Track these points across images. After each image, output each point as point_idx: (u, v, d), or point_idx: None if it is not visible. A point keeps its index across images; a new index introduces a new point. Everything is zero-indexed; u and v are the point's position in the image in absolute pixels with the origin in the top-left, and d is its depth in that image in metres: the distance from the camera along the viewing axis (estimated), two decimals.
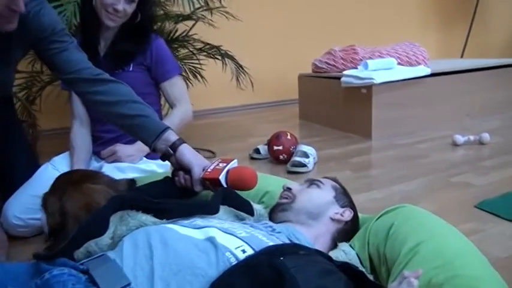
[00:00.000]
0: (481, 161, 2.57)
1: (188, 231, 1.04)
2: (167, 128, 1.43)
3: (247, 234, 1.04)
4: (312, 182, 1.37)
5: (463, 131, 3.19)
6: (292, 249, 1.01)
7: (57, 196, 1.27)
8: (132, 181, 1.48)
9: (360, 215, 1.40)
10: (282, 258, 0.90)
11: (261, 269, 0.87)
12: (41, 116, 2.89)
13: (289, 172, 2.48)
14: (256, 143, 2.95)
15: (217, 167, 1.35)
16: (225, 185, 1.32)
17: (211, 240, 0.98)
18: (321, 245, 1.24)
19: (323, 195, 1.32)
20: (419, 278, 0.89)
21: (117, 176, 1.70)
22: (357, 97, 3.21)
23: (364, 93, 3.12)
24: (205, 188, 1.37)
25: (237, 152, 2.89)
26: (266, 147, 2.74)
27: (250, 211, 1.33)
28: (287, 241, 1.12)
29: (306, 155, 2.54)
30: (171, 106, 2.06)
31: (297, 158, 2.51)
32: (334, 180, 1.44)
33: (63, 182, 1.32)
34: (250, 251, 0.97)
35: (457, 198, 2.05)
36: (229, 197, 1.29)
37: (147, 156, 1.94)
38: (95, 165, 1.95)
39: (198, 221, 1.12)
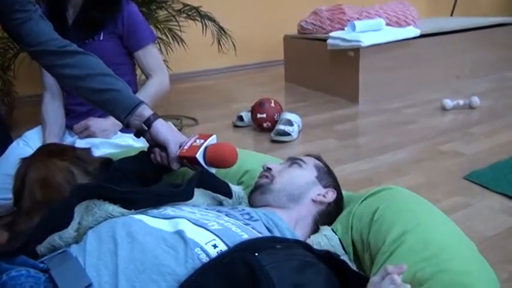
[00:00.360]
0: (470, 127, 2.51)
1: (157, 222, 0.96)
2: (140, 102, 1.33)
3: (219, 226, 0.96)
4: (293, 161, 1.28)
5: (453, 94, 3.11)
6: (268, 243, 0.93)
7: (27, 163, 1.21)
8: (107, 160, 1.39)
9: (344, 192, 1.33)
10: (257, 254, 0.83)
11: (234, 267, 0.80)
12: (17, 83, 2.77)
13: (273, 141, 2.40)
14: (239, 109, 2.85)
15: (194, 143, 1.26)
16: (203, 163, 1.23)
17: (180, 234, 0.90)
18: (301, 228, 1.17)
19: (304, 175, 1.24)
20: (405, 274, 0.83)
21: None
22: (343, 60, 3.09)
23: (351, 56, 3.01)
24: (183, 165, 1.29)
25: (220, 119, 2.80)
26: (250, 114, 2.65)
27: (228, 193, 1.25)
28: (264, 229, 1.04)
29: (290, 123, 2.46)
30: (147, 76, 1.93)
31: (281, 127, 2.42)
32: (318, 158, 1.36)
33: (39, 152, 1.27)
34: (222, 246, 0.90)
35: (446, 169, 2.00)
36: (206, 179, 1.21)
37: (123, 130, 1.84)
38: (68, 140, 1.85)
39: (169, 210, 1.03)
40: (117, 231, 0.90)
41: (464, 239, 1.07)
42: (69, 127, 1.87)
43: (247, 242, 0.91)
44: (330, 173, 1.32)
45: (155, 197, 1.07)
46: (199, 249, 0.88)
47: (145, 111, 1.31)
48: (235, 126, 2.68)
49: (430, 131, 2.46)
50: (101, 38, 1.80)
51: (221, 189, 1.24)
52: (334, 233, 1.17)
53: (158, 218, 0.98)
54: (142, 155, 1.37)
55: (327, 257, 0.94)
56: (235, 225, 0.98)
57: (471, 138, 2.33)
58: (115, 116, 1.36)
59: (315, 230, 1.19)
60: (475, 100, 2.81)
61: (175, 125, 2.62)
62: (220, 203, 1.23)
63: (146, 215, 1.00)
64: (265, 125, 2.53)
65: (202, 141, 1.26)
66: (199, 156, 1.21)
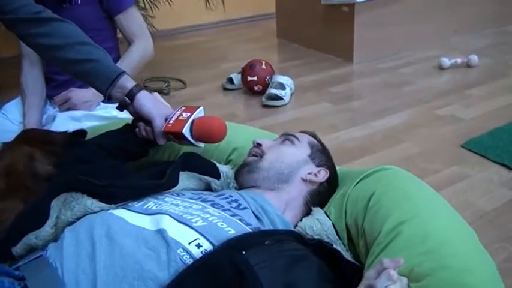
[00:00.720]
0: (468, 88, 2.43)
1: (138, 219, 0.90)
2: (122, 73, 1.23)
3: (204, 222, 0.89)
4: (286, 138, 1.20)
5: (450, 50, 3.01)
6: (256, 238, 0.87)
7: (4, 148, 1.17)
8: (74, 135, 1.32)
9: (338, 167, 1.26)
10: (244, 253, 0.79)
11: (221, 269, 0.75)
12: (2, 43, 2.61)
13: (265, 106, 2.31)
14: (229, 69, 2.74)
15: (180, 117, 1.18)
16: (190, 138, 1.16)
17: (161, 233, 0.84)
18: (292, 210, 1.10)
19: (296, 153, 1.16)
20: (401, 268, 0.78)
21: (73, 126, 1.52)
22: (337, 15, 2.95)
23: (345, 11, 2.87)
24: (169, 140, 1.21)
25: (209, 81, 2.69)
26: (240, 76, 2.54)
27: (215, 174, 1.18)
28: (253, 218, 0.98)
29: (282, 86, 2.36)
30: (129, 42, 1.81)
31: (273, 90, 2.33)
32: (313, 135, 1.28)
33: (16, 138, 1.21)
34: (206, 245, 0.84)
35: (443, 136, 1.93)
36: (191, 161, 1.14)
37: (105, 100, 1.74)
38: (50, 111, 1.75)
39: (151, 202, 0.97)
40: (96, 231, 0.84)
41: (465, 229, 1.00)
42: (50, 97, 1.77)
43: (234, 239, 0.85)
44: (325, 151, 1.24)
45: (137, 190, 1.00)
46: (181, 250, 0.82)
47: (127, 83, 1.22)
48: (225, 89, 2.58)
49: (427, 93, 2.38)
50: (79, 2, 1.67)
51: (208, 170, 1.17)
52: (327, 216, 1.11)
53: (139, 213, 0.92)
54: (127, 129, 1.28)
55: (320, 247, 0.90)
56: (221, 218, 0.92)
57: (469, 101, 2.26)
58: (96, 88, 1.28)
59: (307, 211, 1.12)
60: (474, 59, 2.71)
61: (162, 90, 2.54)
62: (208, 185, 1.17)
63: (127, 209, 0.93)
64: (256, 88, 2.43)
65: (188, 114, 1.18)
66: (185, 131, 1.14)
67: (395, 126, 2.04)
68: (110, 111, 1.74)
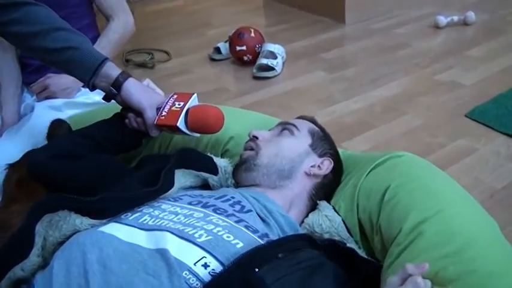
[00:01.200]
0: (467, 49, 2.32)
1: (133, 235, 0.81)
2: (104, 60, 1.11)
3: (208, 236, 0.80)
4: (284, 127, 1.11)
5: (445, 6, 2.87)
6: (268, 252, 0.79)
7: (14, 166, 1.20)
8: (54, 127, 1.25)
9: (340, 150, 1.17)
10: (258, 270, 0.72)
11: None
12: None
13: (256, 77, 2.19)
14: (215, 36, 2.59)
15: (173, 108, 1.09)
16: (185, 130, 1.08)
17: (162, 254, 0.76)
18: (297, 207, 1.03)
19: (296, 145, 1.07)
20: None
21: (53, 115, 1.40)
22: None
23: None
24: (163, 131, 1.13)
25: (194, 51, 2.54)
26: (227, 45, 2.40)
27: (213, 169, 1.09)
28: (259, 222, 0.90)
29: (273, 55, 2.23)
30: (107, 18, 1.66)
31: (264, 60, 2.20)
32: (313, 121, 1.18)
33: (23, 157, 1.21)
34: (214, 264, 0.76)
35: (445, 105, 1.85)
36: (186, 158, 1.05)
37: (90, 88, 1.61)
38: (28, 100, 1.63)
39: (147, 216, 0.87)
40: (87, 256, 0.75)
41: (488, 223, 0.93)
42: (27, 84, 1.63)
43: (245, 256, 0.77)
44: (326, 137, 1.15)
45: (130, 202, 0.90)
46: (187, 272, 0.74)
47: (112, 71, 1.11)
48: (212, 59, 2.44)
49: (424, 57, 2.27)
50: None
51: (205, 165, 1.09)
52: (336, 212, 1.03)
53: (134, 227, 0.83)
54: (117, 118, 1.18)
55: (333, 247, 0.84)
56: (226, 228, 0.83)
57: (469, 64, 2.16)
58: (78, 78, 1.17)
59: (312, 205, 1.05)
60: (471, 16, 2.59)
61: (146, 63, 2.40)
62: (205, 181, 1.08)
63: (119, 222, 0.84)
64: (245, 58, 2.30)
65: (181, 103, 1.09)
66: (180, 124, 1.06)
67: (395, 95, 1.95)
68: (92, 97, 1.63)
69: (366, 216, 0.99)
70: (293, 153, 1.04)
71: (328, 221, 0.99)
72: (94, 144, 1.10)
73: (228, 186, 1.09)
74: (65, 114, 1.46)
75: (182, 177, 1.01)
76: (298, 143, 1.07)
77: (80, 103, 1.58)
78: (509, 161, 1.52)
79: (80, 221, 0.85)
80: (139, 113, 1.09)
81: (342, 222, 0.99)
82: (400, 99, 1.91)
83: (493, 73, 2.06)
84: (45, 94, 1.54)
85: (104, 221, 0.86)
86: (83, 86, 1.60)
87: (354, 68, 2.25)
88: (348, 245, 0.92)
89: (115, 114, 1.18)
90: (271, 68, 2.19)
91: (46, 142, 1.40)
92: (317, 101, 1.95)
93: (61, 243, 0.84)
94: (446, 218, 0.89)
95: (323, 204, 1.02)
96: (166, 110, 1.08)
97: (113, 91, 1.10)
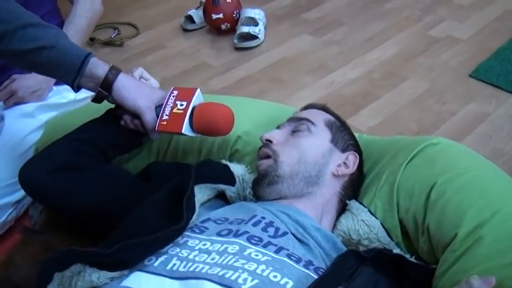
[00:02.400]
0: None
1: (164, 286, 0.69)
2: (87, 56, 0.94)
3: (254, 280, 0.69)
4: (298, 124, 0.98)
5: None
6: (327, 286, 0.69)
7: None
8: None
9: (356, 135, 1.05)
10: None
11: None
12: None
13: (238, 48, 2.02)
14: (184, 3, 2.35)
15: (175, 110, 0.95)
16: (191, 134, 0.95)
17: None
18: (329, 214, 0.93)
19: (317, 145, 0.95)
20: None
21: (27, 123, 1.30)
22: None
23: None
24: (164, 133, 1.00)
25: (163, 21, 2.32)
26: (200, 12, 2.19)
27: (230, 179, 0.97)
28: (298, 247, 0.80)
29: (254, 21, 2.05)
30: (71, 1, 1.45)
31: (245, 28, 2.02)
32: (325, 109, 1.05)
33: None
34: None
35: (446, 65, 1.75)
36: (202, 173, 0.91)
37: (58, 83, 1.42)
38: None
39: (175, 259, 0.74)
40: None
41: None
42: None
43: None
44: (344, 127, 1.03)
45: (152, 247, 0.77)
46: None
47: (99, 69, 0.94)
48: (185, 30, 2.23)
49: (413, 9, 2.14)
50: None
51: (221, 176, 0.97)
52: (373, 215, 0.93)
53: (164, 276, 0.71)
54: (111, 117, 1.03)
55: (380, 257, 0.77)
56: (269, 264, 0.72)
57: (461, 14, 2.05)
58: (60, 80, 1.03)
59: (342, 207, 0.95)
60: None
61: (114, 41, 2.17)
62: (222, 193, 0.97)
63: (145, 271, 0.72)
64: (223, 26, 2.10)
65: (184, 103, 0.94)
66: (185, 130, 0.93)
67: (392, 58, 1.83)
68: (66, 95, 1.47)
69: (409, 216, 0.91)
70: (316, 156, 0.93)
71: (366, 227, 0.90)
72: (95, 151, 0.97)
73: (246, 197, 0.99)
74: (39, 120, 1.31)
75: (199, 193, 0.89)
76: (319, 141, 0.95)
77: (53, 104, 1.41)
78: None
79: (97, 276, 0.73)
80: (135, 115, 0.95)
81: (381, 226, 0.91)
82: (398, 62, 1.80)
83: (488, 22, 1.97)
84: (14, 100, 1.35)
85: (126, 272, 0.73)
86: (55, 85, 1.42)
87: (341, 28, 2.09)
88: (394, 251, 0.85)
89: (108, 111, 1.03)
90: (254, 37, 2.01)
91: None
92: (310, 71, 1.81)
93: None
94: (505, 220, 0.81)
95: (355, 206, 0.93)
96: (167, 112, 0.94)
97: (103, 93, 0.94)
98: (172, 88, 0.97)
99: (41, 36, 0.92)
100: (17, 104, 1.35)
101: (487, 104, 1.54)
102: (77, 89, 0.96)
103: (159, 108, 0.94)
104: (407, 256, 0.84)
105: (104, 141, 0.98)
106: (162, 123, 0.93)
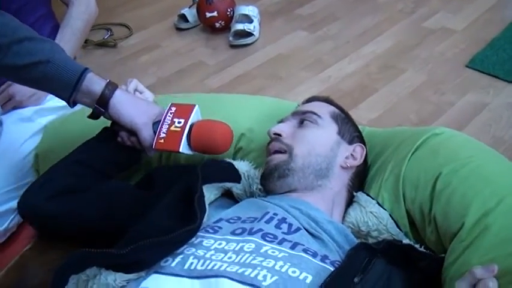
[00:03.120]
0: None
1: (185, 287, 0.68)
2: (83, 72, 0.93)
3: (274, 276, 0.69)
4: (303, 117, 0.97)
5: None
6: (345, 280, 0.70)
7: None
8: None
9: (359, 127, 1.06)
10: None
11: None
12: None
13: (233, 46, 2.01)
14: (177, 2, 2.34)
15: (173, 127, 0.93)
16: (188, 153, 0.94)
17: None
18: (339, 207, 0.93)
19: (325, 137, 0.95)
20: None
21: (25, 128, 1.27)
22: None
23: None
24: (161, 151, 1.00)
25: (157, 21, 2.30)
26: (193, 11, 2.18)
27: (236, 177, 0.97)
28: (312, 242, 0.79)
29: (248, 18, 2.04)
30: (66, 4, 1.43)
31: (239, 26, 2.01)
32: (329, 101, 1.05)
33: None
34: None
35: (443, 56, 1.76)
36: (208, 173, 0.91)
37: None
38: None
39: (192, 258, 0.74)
40: None
41: None
42: None
43: None
44: (348, 118, 1.03)
45: (167, 247, 0.76)
46: None
47: (95, 85, 0.92)
48: (179, 29, 2.22)
49: (406, 1, 2.15)
50: None
51: (227, 175, 0.96)
52: (381, 206, 0.93)
53: (182, 276, 0.70)
54: (108, 135, 1.01)
55: (390, 248, 0.77)
56: (287, 260, 0.72)
57: (455, 5, 2.06)
58: (55, 95, 0.99)
59: (350, 198, 0.95)
60: None
61: (107, 42, 2.15)
62: (229, 191, 0.97)
63: (163, 273, 0.72)
64: (217, 24, 2.10)
65: (182, 121, 0.93)
66: (183, 149, 0.92)
67: (387, 51, 1.83)
68: None
69: (415, 207, 0.91)
70: (326, 148, 0.93)
71: (375, 218, 0.90)
72: (94, 172, 0.95)
73: (252, 193, 0.98)
74: (38, 124, 1.30)
75: (207, 193, 0.88)
76: (327, 134, 0.95)
77: (51, 108, 1.38)
78: None
79: (113, 278, 0.72)
80: (132, 132, 0.94)
81: (390, 217, 0.91)
82: (394, 55, 1.80)
83: (481, 13, 1.97)
84: (11, 105, 1.33)
85: (143, 273, 0.72)
86: None
87: (335, 23, 2.09)
88: (403, 241, 0.84)
89: (104, 129, 1.01)
90: (249, 34, 2.01)
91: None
92: (307, 67, 1.81)
93: None
94: (509, 208, 0.81)
95: (363, 198, 0.93)
96: (164, 130, 0.92)
97: (99, 109, 0.93)
98: (170, 104, 0.95)
99: (37, 50, 0.90)
100: (15, 108, 1.34)
101: (485, 93, 1.55)
102: (72, 104, 0.94)
103: (156, 124, 0.93)
104: (417, 246, 0.85)
105: (102, 160, 0.96)
106: (160, 141, 0.91)
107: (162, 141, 0.91)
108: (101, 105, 0.92)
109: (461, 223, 0.81)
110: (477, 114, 1.47)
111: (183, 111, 0.93)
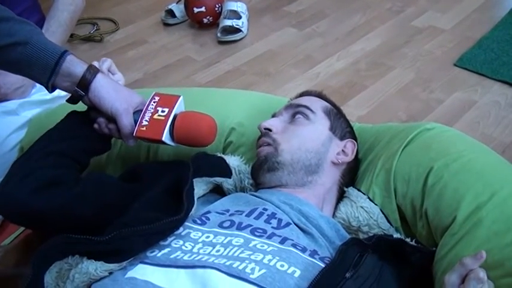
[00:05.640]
0: None
1: (172, 278, 0.67)
2: (63, 54, 0.89)
3: (262, 269, 0.68)
4: (296, 111, 0.96)
5: None
6: (336, 276, 0.69)
7: None
8: None
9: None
10: None
11: None
12: None
13: (221, 42, 1.99)
14: None
15: (156, 116, 0.90)
16: (171, 143, 0.91)
17: None
18: (329, 203, 0.93)
19: (317, 133, 0.94)
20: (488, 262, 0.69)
21: (10, 121, 1.25)
22: None
23: None
24: (141, 140, 0.95)
25: (144, 16, 2.27)
26: (181, 6, 2.16)
27: (226, 171, 0.96)
28: (301, 237, 0.79)
29: (236, 14, 2.03)
30: None
31: (227, 22, 2.00)
32: (321, 96, 1.04)
33: None
34: None
35: (431, 54, 1.77)
36: (198, 164, 0.89)
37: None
38: None
39: (179, 252, 0.72)
40: None
41: None
42: None
43: (314, 285, 0.66)
44: (341, 114, 1.03)
45: (149, 237, 0.74)
46: None
47: (76, 67, 0.88)
48: (166, 24, 2.19)
49: (394, 0, 2.15)
50: None
51: (218, 169, 0.95)
52: (372, 201, 0.93)
53: (168, 266, 0.69)
54: (79, 120, 0.96)
55: (381, 243, 0.77)
56: (276, 254, 0.71)
57: (443, 5, 2.07)
58: (33, 79, 0.94)
59: (341, 194, 0.95)
60: None
61: (93, 36, 2.12)
62: (219, 186, 0.95)
63: (149, 263, 0.70)
64: (205, 20, 2.08)
65: (166, 110, 0.90)
66: (165, 138, 0.89)
67: (376, 49, 1.83)
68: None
69: (407, 202, 0.91)
70: (317, 144, 0.92)
71: (365, 213, 0.90)
72: (72, 162, 0.91)
73: (243, 188, 0.97)
74: (23, 118, 1.27)
75: (196, 187, 0.86)
76: (318, 129, 0.94)
77: (37, 101, 1.36)
78: (511, 111, 1.47)
79: (94, 267, 0.70)
80: (111, 118, 0.91)
81: (380, 212, 0.91)
82: (382, 52, 1.80)
83: (469, 13, 1.99)
84: None
85: (124, 263, 0.71)
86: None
87: (323, 20, 2.09)
88: (394, 236, 0.85)
89: (72, 113, 0.97)
90: (237, 30, 1.99)
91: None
92: (296, 63, 1.80)
93: None
94: (503, 201, 0.81)
95: (354, 193, 0.92)
96: (147, 118, 0.89)
97: (79, 92, 0.89)
98: (153, 94, 0.92)
99: (14, 31, 0.86)
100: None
101: (473, 91, 1.56)
102: (51, 89, 0.90)
103: (137, 113, 0.90)
104: (408, 240, 0.84)
105: (79, 150, 0.92)
106: (141, 128, 0.88)
107: (144, 129, 0.88)
108: (81, 88, 0.88)
109: (453, 217, 0.82)
110: (465, 112, 1.48)
111: (167, 101, 0.91)
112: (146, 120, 0.88)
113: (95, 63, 0.93)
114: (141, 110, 0.90)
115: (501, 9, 1.97)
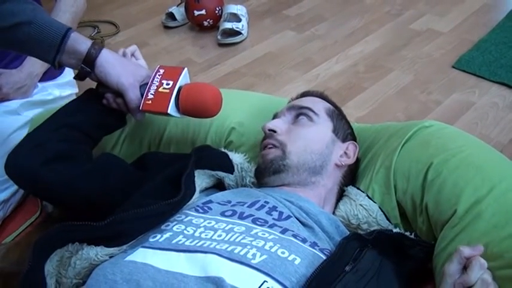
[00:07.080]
0: None
1: (171, 260, 0.67)
2: (67, 31, 0.90)
3: (263, 255, 0.69)
4: (299, 112, 0.97)
5: None
6: (335, 268, 0.70)
7: None
8: None
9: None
10: None
11: None
12: None
13: (222, 44, 2.01)
14: (165, 0, 2.33)
15: (161, 89, 0.91)
16: (177, 115, 0.92)
17: (217, 284, 0.63)
18: (330, 202, 0.94)
19: (321, 135, 0.95)
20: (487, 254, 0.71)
21: (12, 121, 1.26)
22: None
23: None
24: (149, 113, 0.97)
25: (144, 19, 2.29)
26: (181, 9, 2.17)
27: (229, 166, 0.97)
28: (302, 229, 0.80)
29: (236, 17, 2.04)
30: None
31: (228, 25, 2.01)
32: (323, 97, 1.05)
33: None
34: None
35: (429, 56, 1.78)
36: (201, 155, 0.91)
37: (44, 78, 1.39)
38: None
39: (180, 236, 0.73)
40: None
41: None
42: None
43: (314, 279, 0.66)
44: (342, 115, 1.04)
45: (147, 220, 0.75)
46: None
47: (80, 44, 0.90)
48: (167, 27, 2.21)
49: (393, 3, 2.17)
50: None
51: (220, 163, 0.96)
52: (371, 199, 0.94)
53: (168, 249, 0.70)
54: (94, 97, 0.98)
55: (381, 237, 0.79)
56: (277, 242, 0.72)
57: (441, 8, 2.08)
58: (39, 58, 0.96)
59: (340, 194, 0.96)
60: None
61: (93, 38, 2.12)
62: (219, 180, 0.97)
63: (149, 247, 0.71)
64: (205, 23, 2.09)
65: (170, 82, 0.91)
66: (171, 110, 0.90)
67: (375, 51, 1.84)
68: (52, 91, 1.44)
69: (407, 198, 0.92)
70: (321, 146, 0.93)
71: (364, 211, 0.92)
72: (83, 136, 0.93)
73: (245, 185, 0.98)
74: (24, 117, 1.29)
75: (198, 179, 0.88)
76: (322, 131, 0.95)
77: (38, 101, 1.38)
78: (509, 111, 1.48)
79: (95, 253, 0.71)
80: (118, 93, 0.92)
81: (379, 209, 0.92)
82: (381, 55, 1.81)
83: (466, 16, 2.00)
84: None
85: (124, 247, 0.72)
86: (40, 81, 1.39)
87: (322, 23, 2.10)
88: (393, 231, 0.86)
89: (88, 90, 0.99)
90: (237, 33, 2.01)
91: None
92: (295, 66, 1.81)
93: (78, 284, 0.71)
94: (502, 195, 0.82)
95: (353, 191, 0.93)
96: (152, 91, 0.90)
97: (86, 69, 0.90)
98: (158, 66, 0.93)
99: (18, 11, 0.87)
100: (1, 101, 1.32)
101: (471, 93, 1.57)
102: (58, 66, 0.92)
103: (143, 87, 0.91)
104: (407, 234, 0.85)
105: (90, 124, 0.94)
106: (147, 102, 0.89)
107: (149, 102, 0.89)
108: (87, 64, 0.89)
109: (453, 211, 0.83)
110: (464, 113, 1.49)
111: (172, 73, 0.92)
112: (152, 94, 0.90)
113: (121, 50, 0.99)
114: (147, 84, 0.91)
115: (499, 13, 1.99)
